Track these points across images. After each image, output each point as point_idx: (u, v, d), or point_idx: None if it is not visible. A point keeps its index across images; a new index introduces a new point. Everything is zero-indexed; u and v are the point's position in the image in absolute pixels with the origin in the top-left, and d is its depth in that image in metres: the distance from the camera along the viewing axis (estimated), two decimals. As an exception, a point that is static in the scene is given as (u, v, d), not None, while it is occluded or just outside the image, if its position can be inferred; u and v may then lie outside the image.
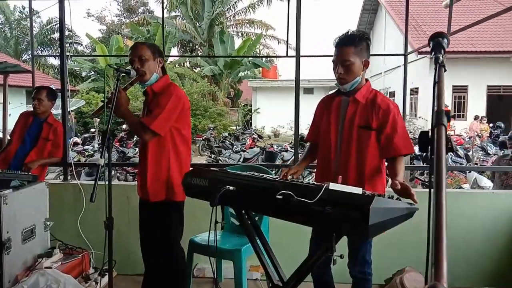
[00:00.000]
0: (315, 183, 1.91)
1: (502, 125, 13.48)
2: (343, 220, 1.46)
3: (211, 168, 2.14)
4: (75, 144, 10.73)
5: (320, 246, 1.82)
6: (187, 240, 2.71)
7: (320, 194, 1.53)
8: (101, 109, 2.27)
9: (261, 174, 2.16)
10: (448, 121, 0.79)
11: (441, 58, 0.97)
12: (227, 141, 11.41)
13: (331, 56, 2.16)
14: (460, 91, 17.29)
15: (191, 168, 2.09)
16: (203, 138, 13.97)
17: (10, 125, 4.24)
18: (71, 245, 3.14)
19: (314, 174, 2.88)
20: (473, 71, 15.92)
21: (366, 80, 2.21)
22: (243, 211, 1.97)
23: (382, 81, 19.16)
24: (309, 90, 19.81)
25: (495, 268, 3.26)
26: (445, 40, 1.09)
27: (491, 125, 14.33)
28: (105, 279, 2.55)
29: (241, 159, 8.55)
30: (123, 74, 2.23)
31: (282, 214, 1.68)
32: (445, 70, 0.94)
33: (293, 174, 2.18)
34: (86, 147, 10.75)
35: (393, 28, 17.35)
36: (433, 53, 1.01)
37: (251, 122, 20.89)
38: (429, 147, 0.83)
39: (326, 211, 1.50)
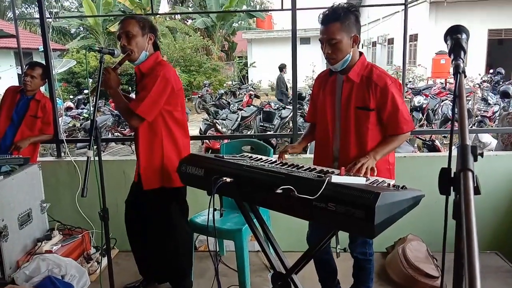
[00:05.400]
0: (316, 168, 1.83)
1: (503, 71, 12.82)
2: (347, 218, 1.38)
3: (207, 156, 2.03)
4: (69, 108, 10.51)
5: (321, 234, 1.77)
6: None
7: (321, 190, 1.44)
8: (93, 90, 2.13)
9: (259, 157, 2.08)
10: (475, 159, 0.67)
11: (461, 65, 0.82)
12: (223, 99, 11.18)
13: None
14: (460, 36, 16.79)
15: (185, 156, 1.98)
16: (199, 95, 13.69)
17: (2, 89, 4.02)
18: (69, 225, 3.10)
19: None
20: (473, 15, 15.35)
21: (361, 53, 2.05)
22: (244, 202, 1.90)
23: (381, 27, 18.58)
24: (305, 40, 19.18)
25: (493, 233, 3.25)
26: (464, 36, 0.92)
27: (491, 71, 13.94)
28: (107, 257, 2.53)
29: (239, 119, 8.45)
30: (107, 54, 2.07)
31: (284, 208, 1.60)
32: (465, 77, 0.81)
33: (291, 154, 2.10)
34: (80, 110, 10.51)
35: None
36: (452, 57, 0.85)
37: (247, 76, 20.45)
38: (451, 187, 0.72)
39: (329, 208, 1.42)
